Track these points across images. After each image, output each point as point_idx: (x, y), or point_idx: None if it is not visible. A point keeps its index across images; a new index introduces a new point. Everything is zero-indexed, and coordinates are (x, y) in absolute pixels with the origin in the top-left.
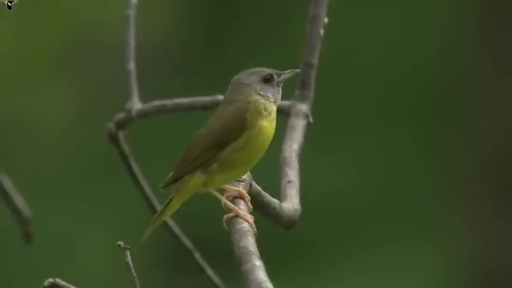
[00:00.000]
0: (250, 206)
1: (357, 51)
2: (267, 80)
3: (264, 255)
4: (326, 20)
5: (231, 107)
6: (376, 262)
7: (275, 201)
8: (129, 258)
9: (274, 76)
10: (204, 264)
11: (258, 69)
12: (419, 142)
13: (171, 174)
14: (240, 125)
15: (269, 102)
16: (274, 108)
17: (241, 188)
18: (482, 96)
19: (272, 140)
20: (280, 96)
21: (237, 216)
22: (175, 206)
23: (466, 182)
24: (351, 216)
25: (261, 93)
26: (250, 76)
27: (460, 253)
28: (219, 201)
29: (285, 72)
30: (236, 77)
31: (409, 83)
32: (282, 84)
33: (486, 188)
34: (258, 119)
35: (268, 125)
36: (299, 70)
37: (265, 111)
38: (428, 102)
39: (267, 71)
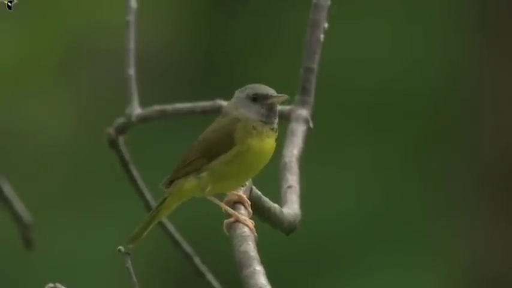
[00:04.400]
0: (251, 211)
1: (356, 59)
2: (254, 99)
3: (264, 260)
4: (326, 25)
5: (224, 120)
6: (375, 277)
7: (275, 206)
8: (129, 263)
9: (261, 97)
10: (204, 269)
11: (252, 86)
12: (417, 150)
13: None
14: (229, 140)
15: (258, 122)
16: (268, 127)
17: (241, 193)
18: (481, 105)
19: (272, 156)
20: (272, 117)
21: (238, 221)
22: (169, 206)
23: (466, 192)
24: (351, 223)
25: (241, 110)
26: (243, 92)
27: (461, 263)
28: (219, 207)
29: (275, 95)
30: (238, 89)
31: (408, 89)
32: (274, 106)
33: (486, 196)
34: (247, 138)
35: (260, 144)
36: (287, 96)
37: (254, 130)
38: (429, 110)
39: (257, 90)
